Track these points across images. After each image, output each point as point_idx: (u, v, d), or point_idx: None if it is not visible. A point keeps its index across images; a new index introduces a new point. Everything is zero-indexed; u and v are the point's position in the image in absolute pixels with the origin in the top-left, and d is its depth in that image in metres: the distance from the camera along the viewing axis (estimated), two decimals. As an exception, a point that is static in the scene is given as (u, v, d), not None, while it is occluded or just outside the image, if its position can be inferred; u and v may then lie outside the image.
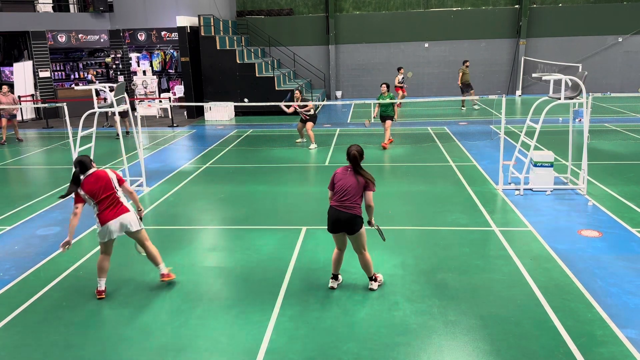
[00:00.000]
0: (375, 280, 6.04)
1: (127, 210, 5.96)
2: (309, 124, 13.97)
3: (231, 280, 6.44)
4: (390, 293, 5.91)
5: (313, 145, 13.95)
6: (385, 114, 13.64)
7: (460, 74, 20.44)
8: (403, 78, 20.69)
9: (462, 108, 20.78)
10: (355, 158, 5.70)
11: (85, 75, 23.69)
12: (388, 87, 13.63)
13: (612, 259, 6.65)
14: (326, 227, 5.88)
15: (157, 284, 6.30)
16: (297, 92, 14.31)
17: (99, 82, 17.00)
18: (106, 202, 5.83)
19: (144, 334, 5.26)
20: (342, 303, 5.74)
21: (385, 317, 5.44)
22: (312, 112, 14.02)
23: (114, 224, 5.84)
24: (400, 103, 20.88)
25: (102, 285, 6.05)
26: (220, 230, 8.28)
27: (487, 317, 5.37)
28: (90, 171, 5.89)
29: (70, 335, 5.29)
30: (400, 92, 20.49)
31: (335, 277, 6.11)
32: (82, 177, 5.85)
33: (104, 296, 6.02)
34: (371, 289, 5.98)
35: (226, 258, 7.11)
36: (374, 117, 13.91)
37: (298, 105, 13.90)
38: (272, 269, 6.67)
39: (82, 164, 5.89)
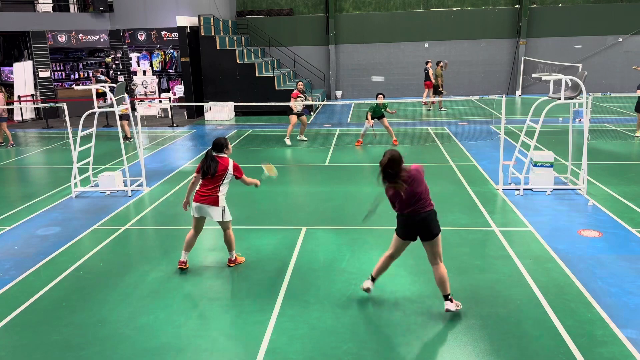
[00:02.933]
0: (452, 301, 5.39)
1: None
2: (293, 118, 14.36)
3: (231, 280, 6.44)
4: (391, 293, 5.91)
5: (287, 140, 14.33)
6: (380, 114, 13.79)
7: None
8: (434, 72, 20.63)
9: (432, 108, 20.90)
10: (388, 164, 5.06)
11: (86, 75, 23.71)
12: (384, 97, 13.64)
13: (612, 259, 6.65)
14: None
15: (156, 284, 6.31)
16: (300, 83, 14.62)
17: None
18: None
19: (144, 334, 5.27)
20: (342, 303, 5.74)
21: (385, 317, 5.44)
22: (299, 108, 14.35)
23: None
24: (427, 101, 21.04)
25: (183, 256, 6.64)
26: (220, 230, 8.25)
27: (487, 317, 5.37)
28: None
29: (70, 335, 5.28)
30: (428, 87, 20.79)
31: (373, 279, 5.76)
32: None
33: (184, 267, 6.59)
34: (447, 310, 5.35)
35: (226, 258, 7.11)
36: (370, 126, 13.82)
37: (294, 98, 14.25)
38: (272, 269, 6.67)
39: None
